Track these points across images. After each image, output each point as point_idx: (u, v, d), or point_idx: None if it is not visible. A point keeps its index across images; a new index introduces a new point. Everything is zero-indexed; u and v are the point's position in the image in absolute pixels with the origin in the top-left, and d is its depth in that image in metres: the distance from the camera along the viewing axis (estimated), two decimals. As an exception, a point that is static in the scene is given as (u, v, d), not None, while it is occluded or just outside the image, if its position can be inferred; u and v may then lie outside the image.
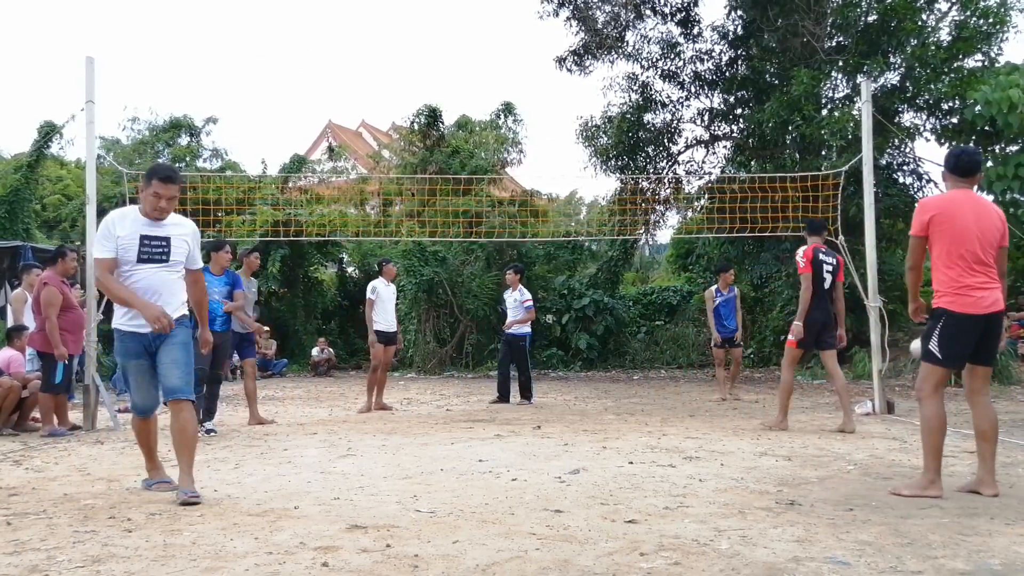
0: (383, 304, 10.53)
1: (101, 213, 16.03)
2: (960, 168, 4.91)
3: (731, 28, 18.19)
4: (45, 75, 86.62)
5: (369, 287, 10.57)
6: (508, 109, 22.23)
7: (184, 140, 23.14)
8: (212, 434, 7.89)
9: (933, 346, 4.74)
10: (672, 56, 18.68)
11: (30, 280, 9.82)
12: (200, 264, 5.26)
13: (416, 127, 20.98)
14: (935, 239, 4.76)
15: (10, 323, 9.98)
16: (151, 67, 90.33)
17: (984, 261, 4.69)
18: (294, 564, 3.38)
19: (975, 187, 5.03)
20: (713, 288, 12.06)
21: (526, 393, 11.30)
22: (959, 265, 4.67)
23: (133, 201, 12.30)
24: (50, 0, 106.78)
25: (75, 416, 8.79)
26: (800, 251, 8.09)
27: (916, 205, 4.90)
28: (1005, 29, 14.58)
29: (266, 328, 10.18)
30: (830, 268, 8.02)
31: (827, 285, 7.98)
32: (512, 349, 11.39)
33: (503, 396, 11.38)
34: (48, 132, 18.91)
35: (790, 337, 7.97)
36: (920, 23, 14.89)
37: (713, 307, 11.91)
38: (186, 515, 4.31)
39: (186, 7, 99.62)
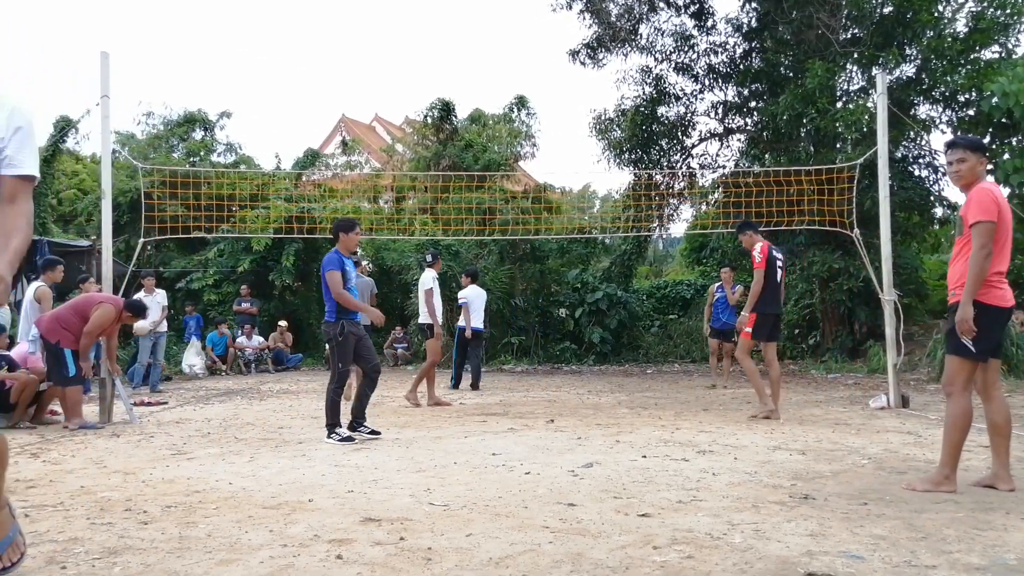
0: (437, 297, 10.60)
1: (116, 207, 16.14)
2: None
3: (745, 20, 18.11)
4: (60, 70, 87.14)
5: (430, 277, 10.49)
6: (521, 102, 22.22)
7: (198, 135, 23.21)
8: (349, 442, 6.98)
9: (966, 340, 4.60)
10: (686, 49, 18.62)
11: (54, 276, 9.88)
12: (29, 169, 2.97)
13: (429, 121, 21.00)
14: None
15: (26, 317, 10.04)
16: (166, 62, 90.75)
17: (1007, 255, 4.67)
18: (308, 556, 3.39)
19: None
20: (715, 285, 12.96)
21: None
22: (998, 258, 4.60)
23: (148, 196, 12.42)
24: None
25: (91, 410, 8.85)
26: (757, 247, 8.42)
27: (981, 190, 4.62)
28: (1022, 20, 14.45)
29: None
30: (781, 264, 8.56)
31: (779, 279, 8.49)
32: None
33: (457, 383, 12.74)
34: (64, 127, 19.03)
35: (746, 329, 8.39)
36: (936, 14, 14.77)
37: (711, 301, 12.81)
38: (201, 508, 4.34)
39: (200, 2, 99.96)
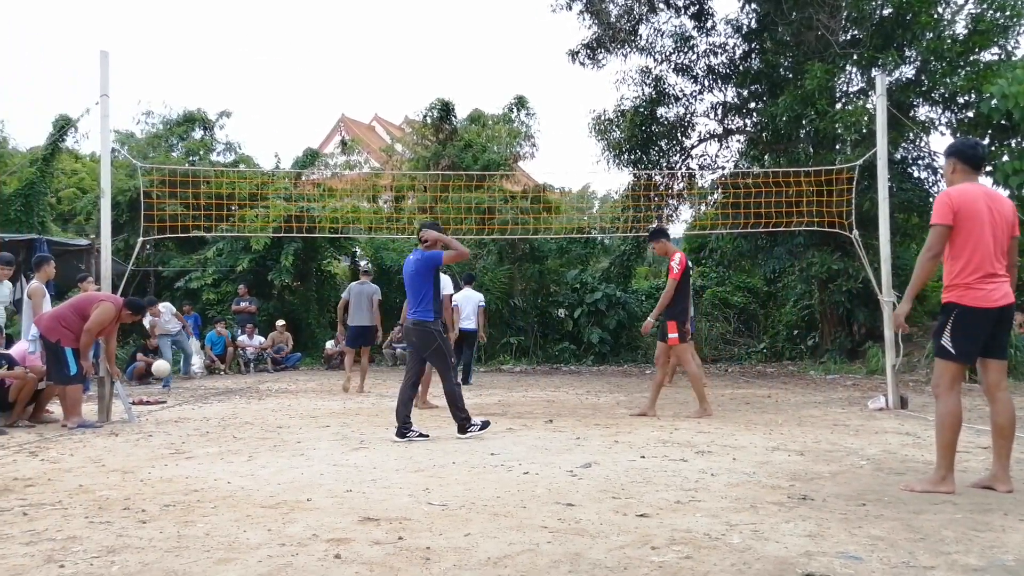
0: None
1: (116, 206, 16.11)
2: (976, 160, 4.86)
3: (745, 21, 18.11)
4: (60, 69, 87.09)
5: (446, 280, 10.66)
6: (521, 103, 22.21)
7: (198, 134, 23.20)
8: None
9: (945, 341, 4.68)
10: (685, 50, 18.61)
11: (48, 272, 9.87)
12: None
13: (429, 121, 21.00)
14: (955, 231, 4.65)
15: (27, 315, 10.03)
16: (165, 61, 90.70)
17: (996, 255, 4.64)
18: (307, 556, 3.39)
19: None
20: None
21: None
22: (972, 259, 4.61)
23: (147, 195, 12.40)
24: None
25: (90, 408, 8.84)
26: (676, 258, 8.68)
27: (937, 195, 4.77)
28: (1022, 22, 14.45)
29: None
30: (693, 270, 8.78)
31: (690, 286, 9.02)
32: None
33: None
34: (63, 126, 19.01)
35: (672, 335, 8.70)
36: (936, 16, 14.77)
37: None
38: (200, 507, 4.34)
39: (200, 2, 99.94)
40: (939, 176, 16.00)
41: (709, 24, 18.54)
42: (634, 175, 19.15)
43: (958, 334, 4.64)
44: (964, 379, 4.85)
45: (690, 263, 9.04)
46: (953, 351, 4.67)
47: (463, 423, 7.15)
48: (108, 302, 8.36)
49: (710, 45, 18.62)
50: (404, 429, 7.08)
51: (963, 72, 14.25)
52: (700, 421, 8.26)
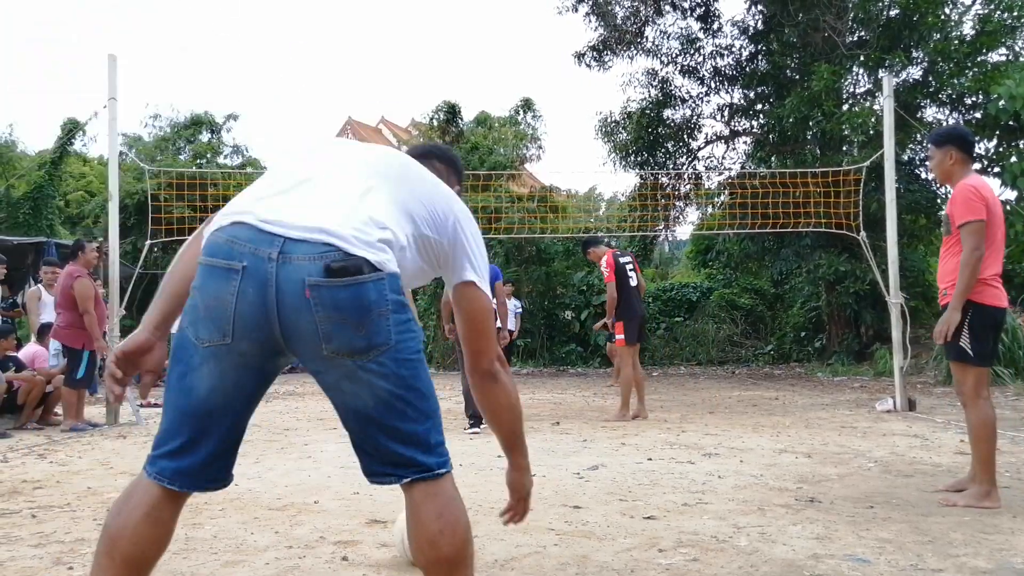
0: None
1: (123, 209, 16.13)
2: (973, 149, 4.63)
3: (751, 23, 18.12)
4: (68, 73, 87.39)
5: None
6: (527, 105, 22.20)
7: (205, 137, 23.29)
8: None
9: (964, 343, 4.35)
10: (692, 51, 18.62)
11: (46, 278, 9.90)
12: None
13: (435, 123, 21.02)
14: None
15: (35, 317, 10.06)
16: (173, 65, 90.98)
17: (1000, 254, 4.43)
18: (314, 558, 3.40)
19: None
20: None
21: None
22: (990, 256, 4.34)
23: (155, 198, 12.44)
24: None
25: (98, 411, 8.87)
26: (603, 260, 8.74)
27: (964, 188, 4.35)
28: (1030, 23, 14.43)
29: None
30: (631, 266, 8.88)
31: (634, 283, 8.84)
32: None
33: None
34: (71, 129, 19.10)
35: (618, 336, 8.71)
36: (943, 17, 14.75)
37: None
38: (207, 509, 4.35)
39: (207, 5, 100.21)
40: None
41: (715, 26, 18.55)
42: (640, 177, 19.15)
43: (976, 335, 4.34)
44: (947, 383, 4.64)
45: (623, 258, 8.84)
46: (972, 353, 4.35)
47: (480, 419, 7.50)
48: (77, 278, 8.25)
49: (716, 47, 18.64)
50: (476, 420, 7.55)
51: (970, 73, 14.23)
52: (621, 424, 8.26)
